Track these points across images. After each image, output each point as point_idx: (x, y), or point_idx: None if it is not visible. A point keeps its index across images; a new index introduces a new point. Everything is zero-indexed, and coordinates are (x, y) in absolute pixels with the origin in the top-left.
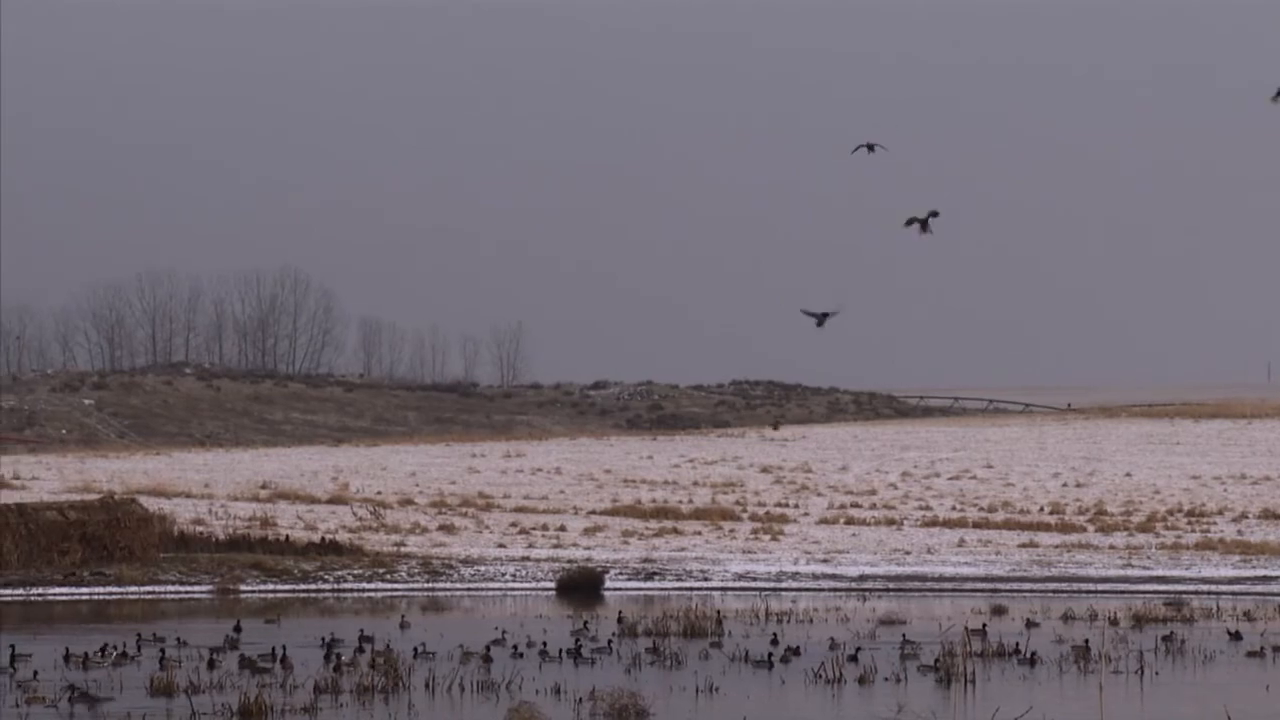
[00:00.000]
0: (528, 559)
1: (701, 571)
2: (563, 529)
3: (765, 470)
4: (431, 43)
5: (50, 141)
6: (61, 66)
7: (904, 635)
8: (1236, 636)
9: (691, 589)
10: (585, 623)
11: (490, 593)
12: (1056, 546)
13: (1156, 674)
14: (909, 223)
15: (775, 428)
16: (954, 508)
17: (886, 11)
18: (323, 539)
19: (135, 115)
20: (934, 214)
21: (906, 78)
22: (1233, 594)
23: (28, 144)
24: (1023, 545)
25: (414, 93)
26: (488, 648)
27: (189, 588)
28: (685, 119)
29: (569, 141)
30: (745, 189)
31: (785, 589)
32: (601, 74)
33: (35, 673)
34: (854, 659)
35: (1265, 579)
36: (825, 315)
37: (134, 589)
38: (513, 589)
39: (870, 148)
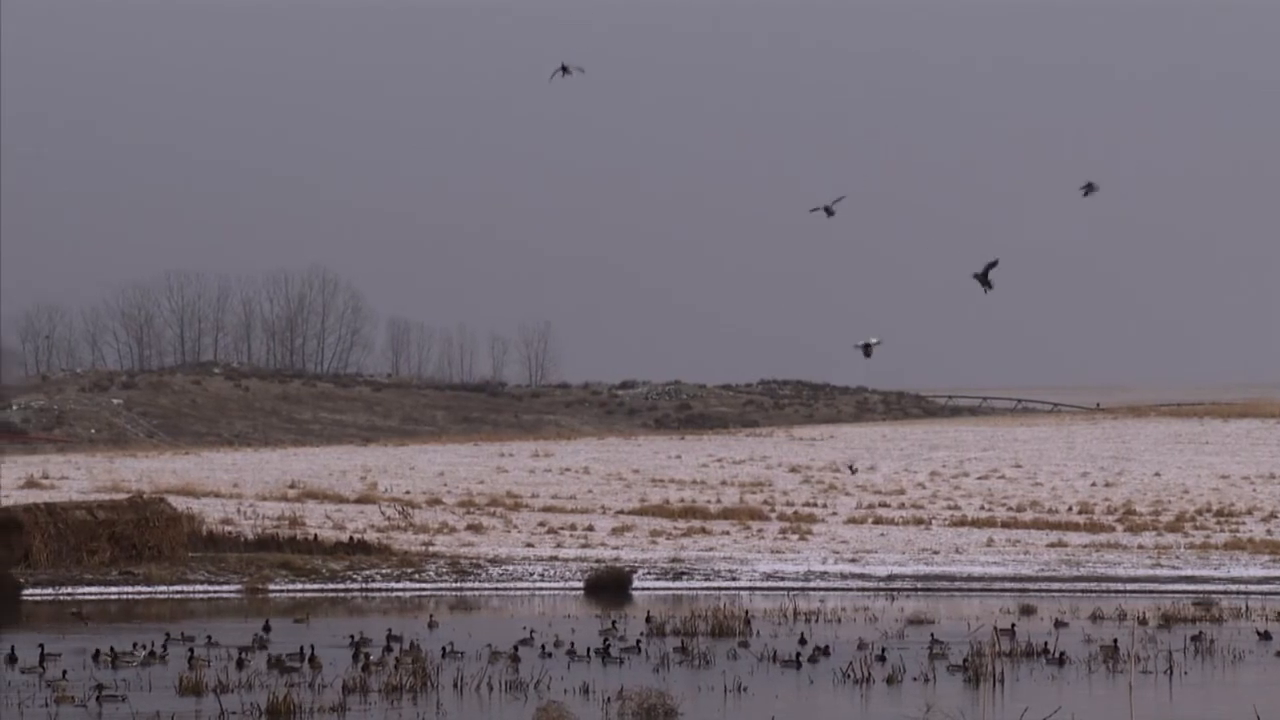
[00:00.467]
0: (556, 559)
1: (730, 571)
2: (591, 529)
3: (793, 470)
4: (462, 44)
5: (79, 142)
6: (91, 69)
7: (932, 635)
8: (1266, 636)
9: (720, 589)
10: (613, 622)
11: (518, 592)
12: (1085, 546)
13: (1185, 674)
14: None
15: (852, 470)
16: (982, 507)
17: (931, 13)
18: (351, 538)
19: (164, 116)
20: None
21: (941, 77)
22: (1262, 594)
23: (58, 145)
24: (1051, 545)
25: (444, 93)
26: (516, 647)
27: (217, 587)
28: (714, 119)
29: (599, 142)
30: (775, 189)
31: (813, 589)
32: (632, 75)
33: (64, 672)
34: (882, 659)
35: None
36: (870, 346)
37: (163, 588)
38: (541, 588)
39: (829, 211)
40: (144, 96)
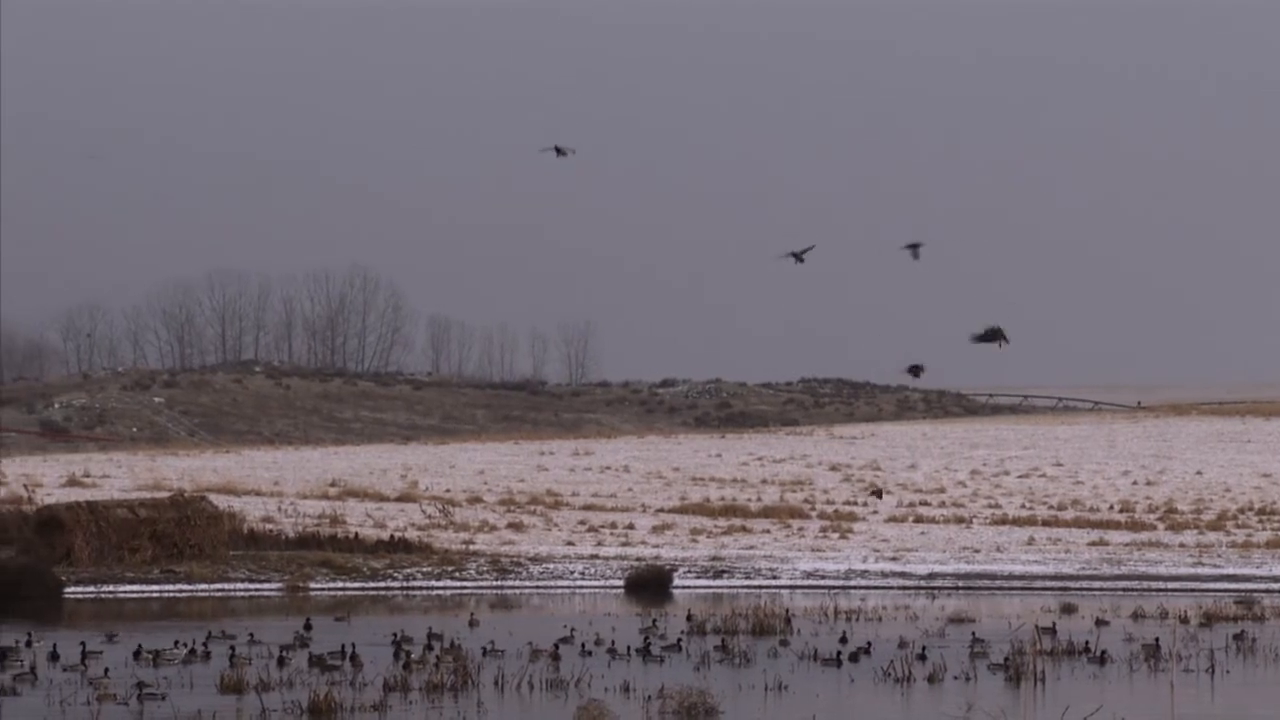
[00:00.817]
0: (596, 557)
1: (770, 570)
2: (631, 527)
3: (834, 468)
4: (504, 44)
5: (121, 143)
6: (131, 71)
7: (973, 634)
8: None
9: (760, 587)
10: (654, 621)
11: (559, 590)
12: (1126, 545)
13: (1227, 673)
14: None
15: (878, 496)
16: (1023, 506)
17: (963, 11)
18: (392, 537)
19: (206, 117)
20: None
21: (978, 75)
22: None
23: (100, 145)
24: (1092, 543)
25: (485, 93)
26: (556, 645)
27: (259, 585)
28: (753, 119)
29: (639, 142)
30: (813, 187)
31: (854, 587)
32: (668, 76)
33: (106, 670)
34: (923, 657)
35: None
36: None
37: (204, 586)
38: (581, 587)
39: (799, 258)
40: (185, 97)
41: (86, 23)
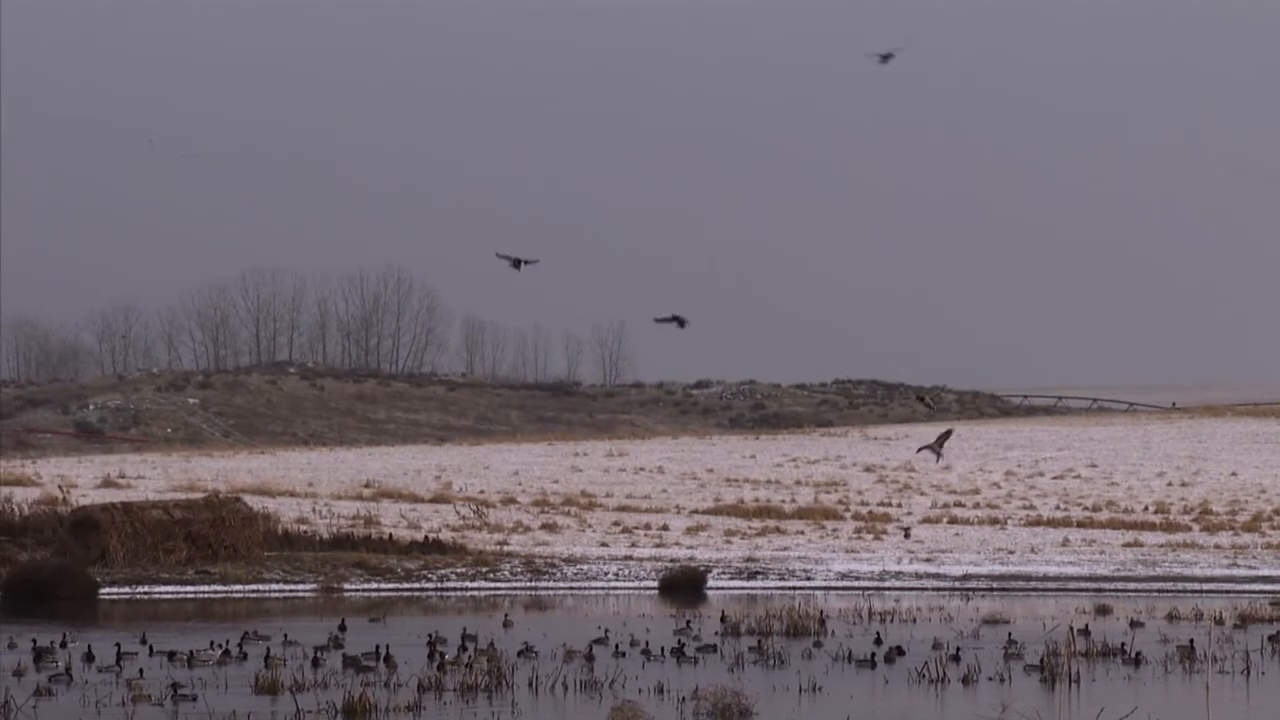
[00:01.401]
0: (630, 558)
1: (804, 571)
2: (665, 528)
3: (868, 469)
4: (536, 44)
5: (156, 147)
6: (166, 73)
7: (1009, 635)
8: None
9: (794, 588)
10: (688, 622)
11: (593, 592)
12: (1161, 546)
13: (1263, 674)
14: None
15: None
16: (1058, 507)
17: (1010, 11)
18: (426, 538)
19: (240, 118)
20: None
21: (1017, 77)
22: None
23: (132, 148)
24: (1127, 545)
25: (519, 92)
26: (590, 646)
27: (293, 586)
28: (788, 117)
29: (670, 140)
30: (848, 187)
31: (888, 588)
32: (704, 75)
33: (141, 670)
34: (957, 659)
35: None
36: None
37: (238, 587)
38: (615, 588)
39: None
40: (221, 99)
41: (121, 25)
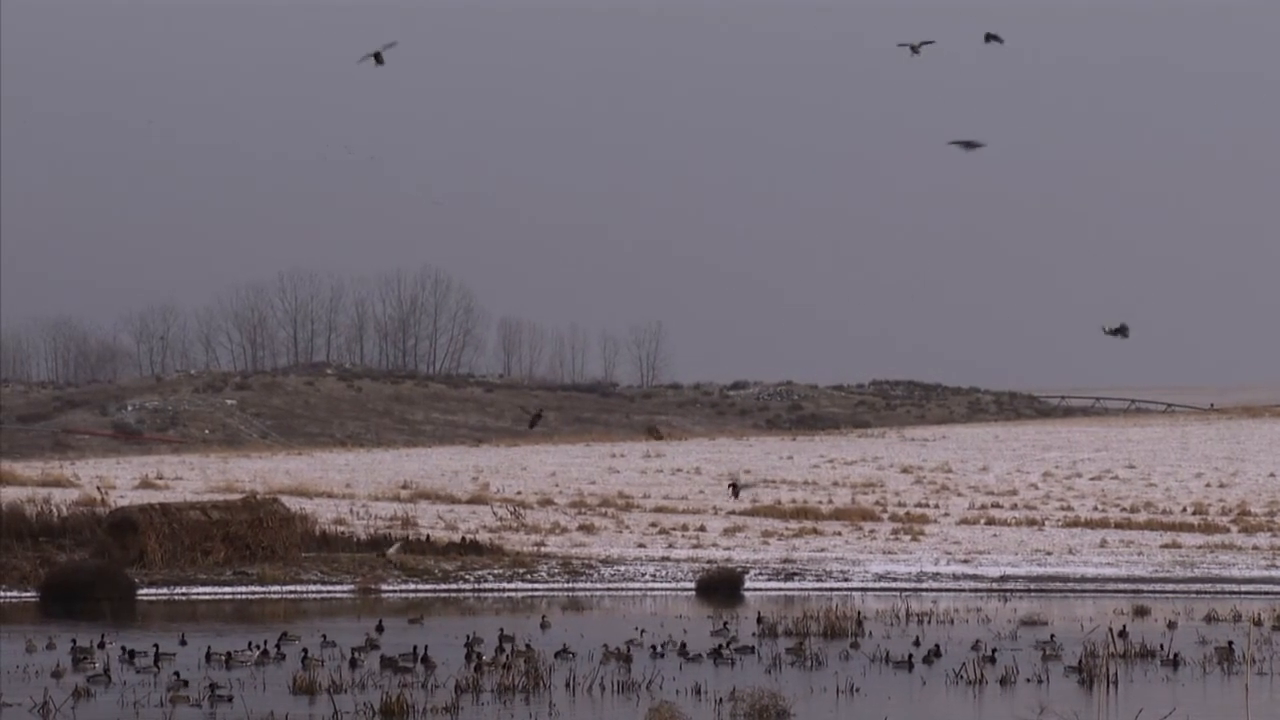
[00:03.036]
0: (667, 559)
1: (841, 572)
2: (702, 529)
3: (905, 470)
4: (572, 46)
5: (194, 149)
6: (203, 77)
7: (1049, 636)
8: None
9: (831, 589)
10: (725, 623)
11: (630, 593)
12: (1199, 547)
13: None
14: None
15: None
16: (1096, 508)
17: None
18: (463, 539)
19: (276, 120)
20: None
21: (1062, 77)
22: None
23: (174, 151)
24: (1165, 546)
25: (555, 94)
26: (628, 647)
27: (331, 587)
28: (823, 121)
29: (706, 143)
30: (885, 189)
31: (926, 589)
32: (736, 78)
33: (177, 672)
34: (995, 660)
35: None
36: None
37: (276, 588)
38: (653, 589)
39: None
40: (257, 102)
41: (153, 27)
